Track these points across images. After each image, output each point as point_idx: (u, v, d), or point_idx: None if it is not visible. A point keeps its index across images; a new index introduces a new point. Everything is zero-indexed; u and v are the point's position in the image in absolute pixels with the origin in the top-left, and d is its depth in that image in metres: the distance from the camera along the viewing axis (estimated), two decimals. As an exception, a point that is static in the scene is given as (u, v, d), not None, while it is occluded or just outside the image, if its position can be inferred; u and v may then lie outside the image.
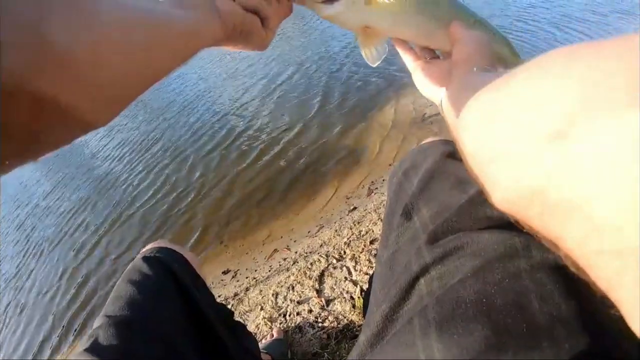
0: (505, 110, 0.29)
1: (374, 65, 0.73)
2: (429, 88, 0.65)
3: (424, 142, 0.88)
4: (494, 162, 0.29)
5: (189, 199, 3.60)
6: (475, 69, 0.52)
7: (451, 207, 0.62)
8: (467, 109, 0.38)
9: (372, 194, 2.60)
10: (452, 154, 0.76)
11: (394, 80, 4.15)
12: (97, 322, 0.74)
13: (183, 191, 3.79)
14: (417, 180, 0.73)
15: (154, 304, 0.78)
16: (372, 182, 2.76)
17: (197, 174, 4.00)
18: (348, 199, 2.71)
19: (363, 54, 0.72)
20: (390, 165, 2.90)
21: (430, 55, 0.72)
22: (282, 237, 2.67)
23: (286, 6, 0.65)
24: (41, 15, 0.33)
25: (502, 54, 0.73)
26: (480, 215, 0.59)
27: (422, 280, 0.55)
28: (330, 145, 3.48)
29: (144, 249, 0.95)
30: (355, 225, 2.26)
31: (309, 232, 2.56)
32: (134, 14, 0.41)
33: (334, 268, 1.95)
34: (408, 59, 0.72)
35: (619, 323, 0.43)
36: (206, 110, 6.12)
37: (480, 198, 0.62)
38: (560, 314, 0.43)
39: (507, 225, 0.56)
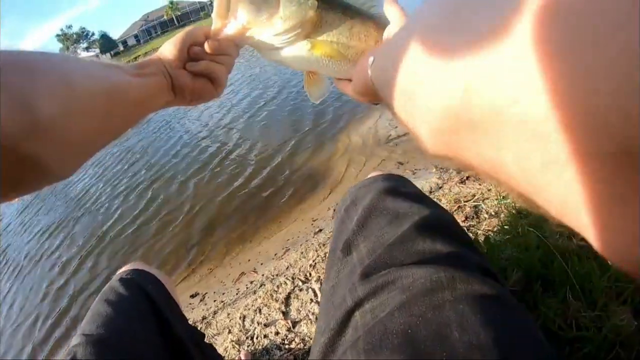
0: (413, 51, 0.28)
1: (316, 102, 0.78)
2: (358, 69, 0.61)
3: (366, 177, 0.93)
4: (415, 95, 0.28)
5: (158, 223, 3.60)
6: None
7: (385, 243, 0.68)
8: (387, 61, 0.37)
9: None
10: (391, 190, 0.81)
11: (359, 105, 4.32)
12: (75, 340, 0.78)
13: (152, 215, 3.78)
14: (357, 217, 0.77)
15: (129, 324, 0.81)
16: (337, 204, 2.85)
17: (165, 198, 4.00)
18: (314, 221, 2.79)
19: (307, 91, 0.77)
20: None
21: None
22: (249, 260, 2.71)
23: (231, 61, 0.72)
24: (32, 89, 0.42)
25: None
26: (411, 250, 0.65)
27: (356, 313, 0.59)
28: (297, 168, 3.58)
29: (120, 270, 0.98)
30: (320, 247, 2.34)
31: (275, 254, 2.62)
32: (99, 84, 0.51)
33: (300, 290, 2.01)
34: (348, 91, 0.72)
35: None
36: (173, 137, 6.12)
37: (412, 234, 0.68)
38: (479, 341, 0.46)
39: (436, 259, 0.63)
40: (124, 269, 0.99)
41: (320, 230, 2.61)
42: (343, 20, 0.71)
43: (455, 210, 2.18)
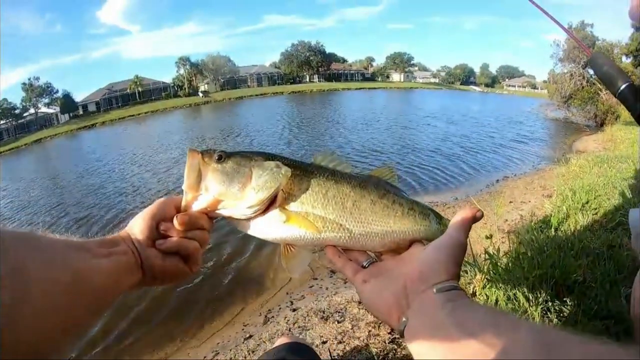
0: None
1: (296, 276, 0.76)
2: (381, 309, 0.59)
3: (273, 345, 1.04)
4: None
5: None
6: (434, 289, 0.53)
7: None
8: (430, 341, 0.48)
9: (268, 322, 2.71)
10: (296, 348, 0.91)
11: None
12: None
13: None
14: None
15: None
16: (269, 309, 2.88)
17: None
18: (245, 325, 2.78)
19: (284, 266, 0.69)
20: (287, 293, 3.05)
21: (365, 259, 0.70)
22: (179, 362, 2.62)
23: (205, 236, 0.67)
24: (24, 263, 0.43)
25: (430, 228, 0.74)
26: None
27: None
28: (233, 269, 3.59)
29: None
30: (249, 354, 2.31)
31: (205, 357, 2.55)
32: (60, 272, 0.48)
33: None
34: (348, 274, 0.69)
35: None
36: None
37: None
38: None
39: None
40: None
41: (251, 336, 2.59)
42: (317, 185, 0.68)
43: (382, 322, 2.28)
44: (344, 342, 2.16)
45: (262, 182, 0.64)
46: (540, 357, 0.38)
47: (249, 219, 0.66)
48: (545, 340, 0.39)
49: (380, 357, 1.94)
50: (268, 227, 0.67)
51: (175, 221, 0.62)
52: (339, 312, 2.50)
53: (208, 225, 0.67)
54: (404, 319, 0.54)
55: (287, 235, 0.67)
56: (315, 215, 0.67)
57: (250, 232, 0.68)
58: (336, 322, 2.37)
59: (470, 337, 0.44)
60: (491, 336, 0.42)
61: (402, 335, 0.54)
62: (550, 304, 1.68)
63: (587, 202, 3.32)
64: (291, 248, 0.69)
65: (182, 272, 0.65)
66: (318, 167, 0.71)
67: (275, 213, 0.66)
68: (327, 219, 0.68)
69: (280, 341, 1.03)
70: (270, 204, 0.65)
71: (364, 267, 0.68)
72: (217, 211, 0.65)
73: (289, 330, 2.43)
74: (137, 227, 0.62)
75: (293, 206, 0.67)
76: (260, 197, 0.64)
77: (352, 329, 2.28)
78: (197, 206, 0.65)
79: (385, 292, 0.59)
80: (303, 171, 0.69)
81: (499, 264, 2.08)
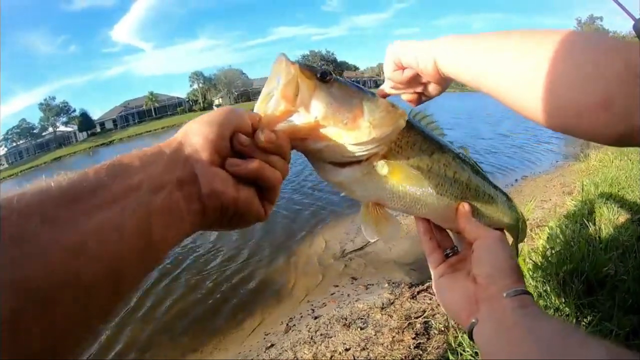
0: None
1: (387, 242, 0.65)
2: (451, 307, 0.61)
3: None
4: None
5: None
6: (504, 294, 0.52)
7: None
8: (498, 346, 0.48)
9: (290, 330, 2.67)
10: None
11: (320, 216, 4.52)
12: None
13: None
14: None
15: None
16: (291, 318, 2.85)
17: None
18: (266, 334, 2.75)
19: (364, 229, 0.61)
20: (308, 301, 3.01)
21: (449, 246, 0.68)
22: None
23: (286, 168, 0.51)
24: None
25: (512, 219, 0.73)
26: None
27: None
28: (253, 280, 3.57)
29: None
30: (272, 364, 2.27)
31: (227, 368, 2.53)
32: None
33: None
34: (431, 263, 0.68)
35: None
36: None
37: None
38: None
39: None
40: None
41: (272, 345, 2.56)
42: (425, 142, 0.61)
43: (406, 327, 2.23)
44: (368, 348, 2.12)
45: (378, 117, 0.53)
46: None
47: (341, 164, 0.55)
48: None
49: (406, 362, 1.89)
50: (363, 178, 0.56)
51: (260, 136, 0.46)
52: (362, 318, 2.46)
53: (289, 154, 0.51)
54: (472, 320, 0.54)
55: (383, 192, 0.58)
56: (419, 176, 0.58)
57: (337, 179, 0.56)
58: (359, 329, 2.33)
59: (540, 346, 0.43)
60: (561, 348, 0.42)
61: (469, 335, 0.54)
62: (582, 299, 1.61)
63: (610, 195, 3.23)
64: (379, 209, 0.60)
65: (255, 212, 0.47)
66: (421, 124, 0.64)
67: (376, 162, 0.56)
68: (430, 184, 0.59)
69: None
70: (377, 147, 0.55)
71: (447, 257, 0.67)
72: (310, 140, 0.52)
73: (311, 339, 2.39)
74: (199, 133, 0.43)
75: (397, 159, 0.57)
76: (374, 135, 0.52)
77: (375, 335, 2.24)
78: (286, 126, 0.50)
79: (457, 290, 0.60)
80: (411, 123, 0.59)
81: (526, 261, 2.04)
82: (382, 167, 0.55)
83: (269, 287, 3.39)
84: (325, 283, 3.26)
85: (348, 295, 2.98)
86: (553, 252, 2.07)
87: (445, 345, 1.91)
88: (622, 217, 2.66)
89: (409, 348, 2.03)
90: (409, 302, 2.56)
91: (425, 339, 2.08)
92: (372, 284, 3.09)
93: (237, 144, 0.45)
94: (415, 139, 0.59)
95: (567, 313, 1.57)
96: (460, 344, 1.78)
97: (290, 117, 0.50)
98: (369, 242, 3.86)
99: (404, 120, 0.55)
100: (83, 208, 0.32)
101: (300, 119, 0.50)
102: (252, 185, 0.46)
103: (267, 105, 0.50)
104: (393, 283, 2.98)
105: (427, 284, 2.71)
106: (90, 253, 0.31)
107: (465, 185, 0.64)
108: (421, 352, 1.99)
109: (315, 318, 2.70)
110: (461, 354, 1.72)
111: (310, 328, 2.54)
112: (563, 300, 1.64)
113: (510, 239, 0.68)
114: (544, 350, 0.42)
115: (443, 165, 0.62)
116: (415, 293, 2.67)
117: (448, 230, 0.70)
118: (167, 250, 0.38)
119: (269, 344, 2.57)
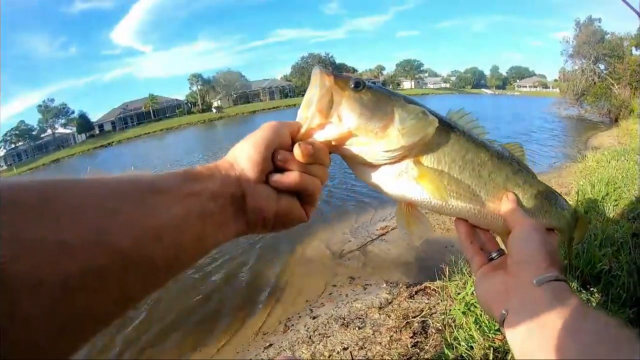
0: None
1: (417, 244, 0.62)
2: (482, 299, 0.61)
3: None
4: None
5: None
6: (535, 281, 0.50)
7: None
8: (531, 341, 0.47)
9: (288, 330, 2.68)
10: None
11: (319, 216, 4.53)
12: None
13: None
14: None
15: None
16: (289, 318, 2.86)
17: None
18: (265, 334, 2.76)
19: (399, 228, 0.64)
20: (307, 301, 3.03)
21: (495, 249, 0.67)
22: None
23: (326, 175, 0.56)
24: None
25: (561, 217, 0.71)
26: None
27: None
28: (252, 280, 3.58)
29: None
30: (271, 363, 2.28)
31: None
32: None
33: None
34: (474, 266, 0.67)
35: None
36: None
37: None
38: None
39: None
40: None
41: (270, 345, 2.57)
42: (457, 144, 0.62)
43: (404, 326, 2.24)
44: (366, 347, 2.13)
45: (408, 126, 0.56)
46: None
47: (374, 166, 0.58)
48: None
49: (403, 361, 1.90)
50: (395, 180, 0.59)
51: (297, 151, 0.50)
52: (360, 318, 2.47)
53: (328, 160, 0.56)
54: (503, 312, 0.52)
55: (414, 193, 0.59)
56: (450, 177, 0.60)
57: (371, 180, 0.59)
58: (357, 329, 2.34)
59: (580, 348, 0.42)
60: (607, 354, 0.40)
61: (501, 327, 0.52)
62: (577, 294, 1.63)
63: (606, 195, 3.25)
64: (411, 209, 0.62)
65: (298, 216, 0.53)
66: (457, 125, 0.64)
67: (407, 165, 0.58)
68: (462, 185, 0.61)
69: None
70: (408, 152, 0.58)
71: (492, 259, 0.65)
72: (344, 147, 0.56)
73: (309, 339, 2.40)
74: (246, 156, 0.49)
75: (428, 162, 0.60)
76: (403, 143, 0.55)
77: (373, 334, 2.25)
78: (322, 136, 0.54)
79: (490, 283, 0.59)
80: (444, 125, 0.61)
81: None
82: (412, 169, 0.58)
83: (268, 287, 3.40)
84: (323, 283, 3.27)
85: (346, 295, 3.00)
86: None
87: (442, 343, 1.92)
88: (618, 215, 2.68)
89: (407, 347, 2.04)
90: (407, 302, 2.57)
91: (423, 338, 2.09)
92: (370, 284, 3.10)
93: (278, 162, 0.50)
94: (447, 141, 0.61)
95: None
96: (455, 338, 1.79)
97: (326, 127, 0.55)
98: (368, 242, 3.88)
99: (433, 127, 0.57)
100: (164, 199, 0.40)
101: (334, 130, 0.54)
102: (293, 194, 0.52)
103: (306, 115, 0.55)
104: (391, 283, 3.00)
105: (425, 284, 2.72)
106: (166, 238, 0.38)
107: (502, 184, 0.64)
108: (419, 351, 1.99)
109: (314, 318, 2.71)
110: (456, 348, 1.73)
111: (308, 328, 2.55)
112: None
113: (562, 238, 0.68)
114: (588, 355, 0.41)
115: (477, 165, 0.62)
116: (413, 293, 2.69)
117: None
118: (213, 247, 0.45)
119: (268, 344, 2.59)
